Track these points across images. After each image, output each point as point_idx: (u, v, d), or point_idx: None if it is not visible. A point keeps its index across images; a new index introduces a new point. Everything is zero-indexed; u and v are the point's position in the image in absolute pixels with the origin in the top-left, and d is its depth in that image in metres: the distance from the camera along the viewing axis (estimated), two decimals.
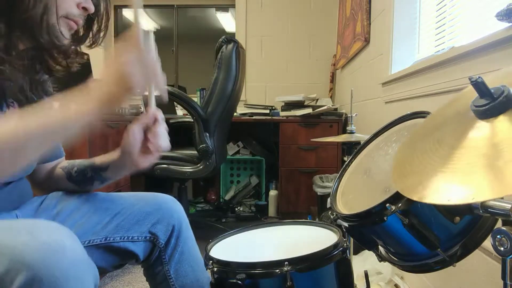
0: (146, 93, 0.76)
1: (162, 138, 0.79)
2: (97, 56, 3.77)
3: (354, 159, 0.97)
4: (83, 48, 0.88)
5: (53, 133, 0.64)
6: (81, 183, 0.95)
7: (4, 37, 0.70)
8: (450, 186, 0.48)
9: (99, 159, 0.92)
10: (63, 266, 0.52)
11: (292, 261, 0.70)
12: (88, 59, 2.59)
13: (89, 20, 0.84)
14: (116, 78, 0.66)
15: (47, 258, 0.51)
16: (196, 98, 3.50)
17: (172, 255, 0.96)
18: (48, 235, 0.54)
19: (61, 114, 0.65)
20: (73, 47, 0.84)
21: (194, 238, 1.01)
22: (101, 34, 0.87)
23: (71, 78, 0.87)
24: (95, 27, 0.85)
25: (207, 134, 2.21)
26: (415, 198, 0.52)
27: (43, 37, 0.73)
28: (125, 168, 0.88)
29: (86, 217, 0.90)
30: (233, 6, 3.80)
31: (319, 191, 2.36)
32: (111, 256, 0.92)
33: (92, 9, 0.79)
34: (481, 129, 0.51)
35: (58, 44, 0.76)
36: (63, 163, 0.98)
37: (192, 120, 2.23)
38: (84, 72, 2.46)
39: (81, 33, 0.85)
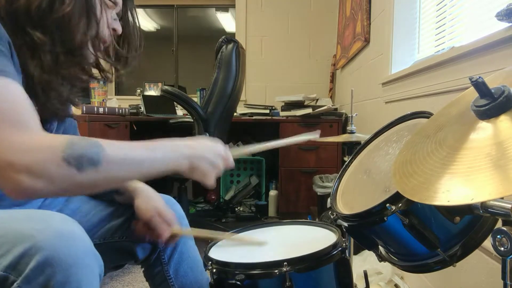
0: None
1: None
2: None
3: (354, 159, 0.97)
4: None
5: (140, 163, 0.65)
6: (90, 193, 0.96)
7: (49, 52, 0.71)
8: (451, 187, 0.48)
9: None
10: (75, 253, 0.55)
11: (291, 262, 0.69)
12: None
13: (119, 40, 0.87)
14: (213, 151, 0.76)
15: (60, 244, 0.54)
16: (196, 98, 3.50)
17: (172, 255, 0.96)
18: (61, 224, 0.57)
19: (152, 148, 0.68)
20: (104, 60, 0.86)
21: (193, 238, 1.01)
22: (132, 55, 0.88)
23: None
24: (125, 48, 0.87)
25: (207, 134, 2.21)
26: (416, 199, 0.52)
27: (74, 54, 0.75)
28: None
29: (87, 218, 0.91)
30: (233, 6, 3.80)
31: (319, 191, 2.36)
32: (110, 256, 0.92)
33: (119, 30, 0.83)
34: (483, 130, 0.51)
35: (85, 62, 0.79)
36: None
37: (192, 120, 2.23)
38: None
39: (111, 52, 0.87)
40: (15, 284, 0.52)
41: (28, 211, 0.63)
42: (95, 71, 0.87)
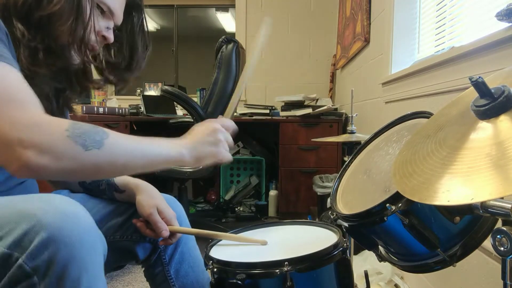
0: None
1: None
2: None
3: (354, 159, 0.97)
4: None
5: (143, 152, 0.66)
6: (91, 192, 0.97)
7: (28, 47, 0.72)
8: (451, 187, 0.48)
9: (121, 180, 0.94)
10: (78, 231, 0.55)
11: (292, 261, 0.69)
12: None
13: (114, 50, 0.88)
14: (208, 132, 0.77)
15: (63, 222, 0.54)
16: (196, 98, 3.50)
17: (172, 255, 0.96)
18: (63, 204, 0.58)
19: (154, 140, 0.69)
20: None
21: (195, 238, 1.01)
22: (123, 71, 0.90)
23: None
24: (117, 58, 0.88)
25: None
26: (416, 199, 0.52)
27: (56, 54, 0.76)
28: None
29: None
30: (233, 6, 3.80)
31: (319, 191, 2.36)
32: (111, 256, 0.91)
33: (111, 39, 0.82)
34: (483, 130, 0.51)
35: (69, 63, 0.79)
36: None
37: (192, 120, 2.23)
38: None
39: (103, 61, 0.88)
40: (19, 260, 0.53)
41: (30, 195, 0.64)
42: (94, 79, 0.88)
